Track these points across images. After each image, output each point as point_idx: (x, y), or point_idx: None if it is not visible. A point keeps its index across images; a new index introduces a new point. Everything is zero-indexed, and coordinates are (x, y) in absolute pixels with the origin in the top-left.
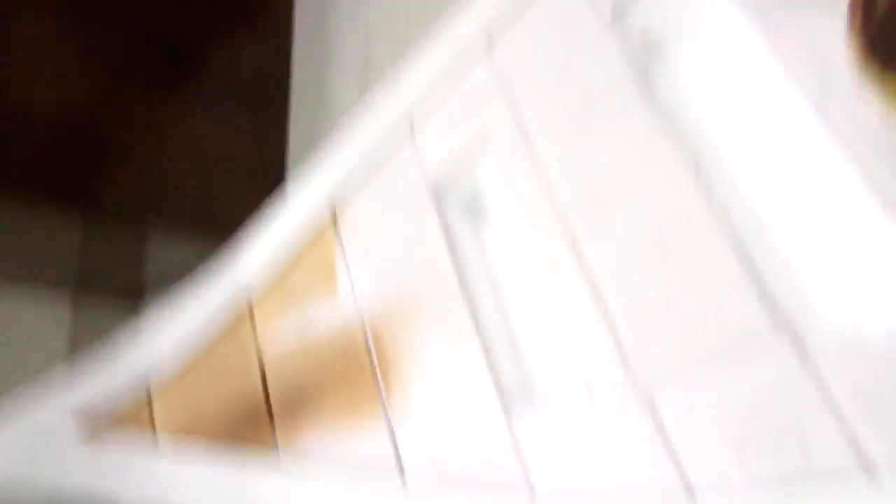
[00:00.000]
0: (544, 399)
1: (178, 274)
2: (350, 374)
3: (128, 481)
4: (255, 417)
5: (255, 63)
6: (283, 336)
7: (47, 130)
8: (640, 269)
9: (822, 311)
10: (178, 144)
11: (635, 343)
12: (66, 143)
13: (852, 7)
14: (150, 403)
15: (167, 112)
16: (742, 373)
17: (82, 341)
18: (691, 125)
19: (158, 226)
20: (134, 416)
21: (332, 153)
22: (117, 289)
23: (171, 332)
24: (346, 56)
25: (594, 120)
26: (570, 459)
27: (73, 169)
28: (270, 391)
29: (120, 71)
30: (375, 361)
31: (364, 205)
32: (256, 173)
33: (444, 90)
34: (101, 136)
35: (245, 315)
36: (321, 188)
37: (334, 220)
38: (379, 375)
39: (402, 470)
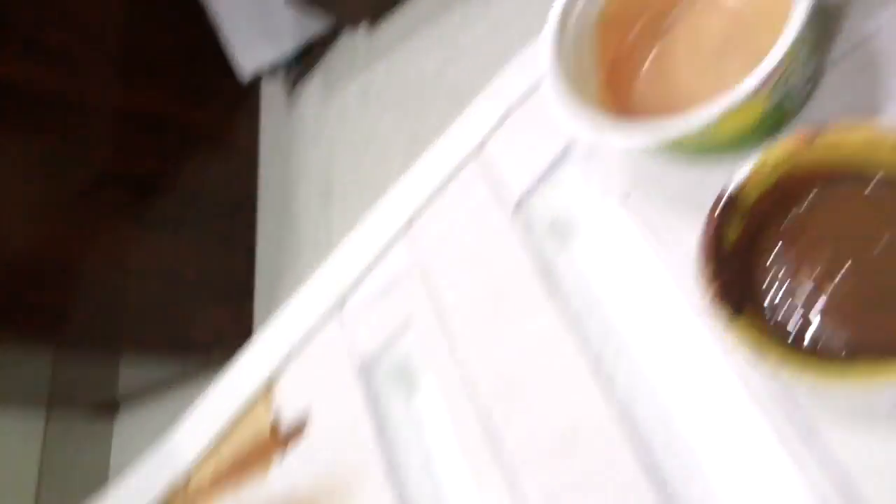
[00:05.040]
0: None
1: (150, 391)
2: None
3: None
4: None
5: (222, 188)
6: None
7: (17, 261)
8: (550, 460)
9: None
10: (148, 268)
11: None
12: (37, 273)
13: (700, 256)
14: None
15: (136, 239)
16: None
17: (53, 459)
18: (594, 319)
19: (130, 347)
20: None
21: (267, 333)
22: (89, 408)
23: None
24: (310, 180)
25: (504, 309)
26: None
27: (44, 298)
28: None
29: (88, 202)
30: None
31: (294, 376)
32: (224, 293)
33: (370, 270)
34: (71, 265)
35: (180, 489)
36: (256, 364)
37: (268, 391)
38: None
39: None
